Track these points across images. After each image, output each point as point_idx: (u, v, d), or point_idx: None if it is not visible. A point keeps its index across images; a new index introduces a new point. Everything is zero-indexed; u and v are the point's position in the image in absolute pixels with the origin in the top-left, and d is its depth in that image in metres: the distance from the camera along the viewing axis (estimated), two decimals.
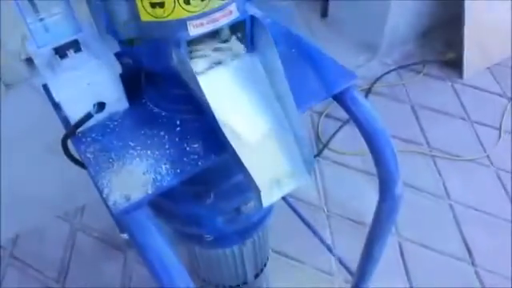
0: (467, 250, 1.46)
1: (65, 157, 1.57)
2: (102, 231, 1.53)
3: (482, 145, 1.78)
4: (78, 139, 0.68)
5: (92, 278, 1.43)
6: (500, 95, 1.98)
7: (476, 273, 1.41)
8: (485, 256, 1.45)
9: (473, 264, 1.43)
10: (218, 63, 0.64)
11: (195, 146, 0.64)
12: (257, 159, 0.61)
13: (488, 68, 2.10)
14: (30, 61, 2.12)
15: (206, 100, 0.60)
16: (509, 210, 1.56)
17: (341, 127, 1.77)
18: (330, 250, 1.32)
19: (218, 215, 0.83)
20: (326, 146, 1.72)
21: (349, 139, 1.70)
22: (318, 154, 1.70)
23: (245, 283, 1.19)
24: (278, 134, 0.64)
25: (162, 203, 0.82)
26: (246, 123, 0.63)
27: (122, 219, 0.59)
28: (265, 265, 1.22)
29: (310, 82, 0.74)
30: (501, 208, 1.57)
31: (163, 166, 0.62)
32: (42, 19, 0.71)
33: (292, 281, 1.38)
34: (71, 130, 0.67)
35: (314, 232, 1.32)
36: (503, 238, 1.49)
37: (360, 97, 0.78)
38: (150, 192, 0.59)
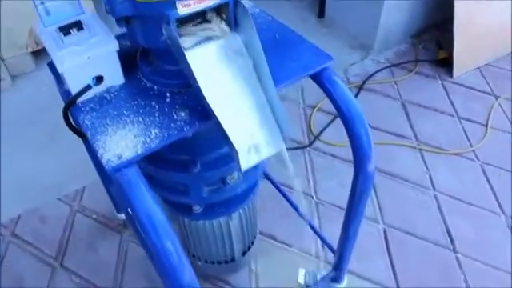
0: (449, 238, 1.53)
1: (65, 143, 1.66)
2: (100, 213, 1.60)
3: (468, 140, 1.84)
4: (77, 108, 0.75)
5: (89, 256, 1.50)
6: (488, 94, 2.05)
7: (456, 259, 1.48)
8: (466, 243, 1.51)
9: (454, 250, 1.49)
10: (204, 41, 0.71)
11: (182, 114, 0.71)
12: (237, 127, 0.69)
13: (478, 68, 2.17)
14: (36, 53, 2.21)
15: (192, 73, 0.67)
16: (491, 201, 1.62)
17: (332, 121, 1.85)
18: (313, 228, 1.38)
19: (205, 185, 0.90)
20: (316, 137, 1.79)
21: (339, 132, 1.77)
22: (310, 145, 1.77)
23: (232, 260, 1.26)
24: (256, 105, 0.71)
25: (154, 172, 0.89)
26: (228, 95, 0.70)
27: (114, 176, 0.66)
28: (252, 243, 1.29)
29: (290, 63, 0.81)
30: (484, 199, 1.63)
31: (152, 131, 0.69)
32: (46, 2, 0.79)
33: (279, 262, 1.45)
34: (72, 99, 0.74)
35: (301, 215, 1.38)
36: (484, 226, 1.55)
37: (336, 78, 0.85)
38: (139, 152, 0.66)
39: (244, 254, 1.28)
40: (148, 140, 0.68)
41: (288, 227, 1.52)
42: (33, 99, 2.07)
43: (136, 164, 0.67)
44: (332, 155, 1.74)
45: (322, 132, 1.82)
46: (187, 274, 0.71)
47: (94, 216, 1.60)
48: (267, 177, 1.48)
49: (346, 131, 0.87)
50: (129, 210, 1.36)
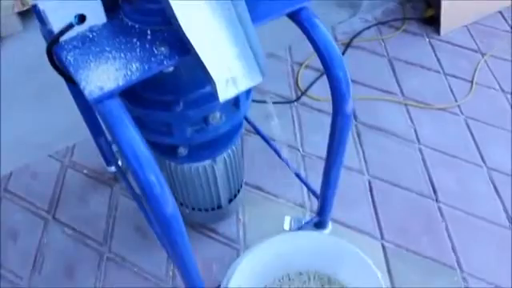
0: (432, 189, 1.57)
1: (54, 103, 1.68)
2: (91, 168, 1.63)
3: (453, 95, 1.87)
4: (60, 47, 0.77)
5: (80, 209, 1.53)
6: (475, 51, 2.06)
7: (439, 208, 1.52)
8: (448, 194, 1.55)
9: (436, 200, 1.54)
10: None
11: (162, 49, 0.73)
12: (215, 60, 0.71)
13: (465, 26, 2.18)
14: (22, 14, 2.20)
15: (170, 7, 0.69)
16: (474, 154, 1.66)
17: (319, 77, 1.87)
18: (299, 176, 1.42)
19: (188, 124, 0.93)
20: (304, 93, 1.82)
21: (326, 88, 1.79)
22: (297, 100, 1.80)
23: (219, 207, 1.29)
24: (234, 40, 0.73)
25: (139, 114, 0.91)
26: (206, 29, 0.72)
27: (96, 108, 0.69)
28: (238, 191, 1.32)
29: (269, 1, 0.82)
30: (466, 152, 1.67)
31: (133, 65, 0.71)
32: None
33: (266, 212, 1.49)
34: (56, 37, 0.76)
35: (289, 165, 1.41)
36: (466, 178, 1.59)
37: (317, 20, 0.86)
38: (121, 84, 0.69)
39: (230, 201, 1.32)
40: (129, 73, 0.70)
41: (275, 179, 1.56)
42: (20, 60, 2.08)
43: (118, 96, 0.69)
44: (318, 110, 1.77)
45: (309, 88, 1.84)
46: (170, 204, 0.74)
47: (85, 171, 1.63)
48: (254, 128, 1.50)
49: (325, 72, 0.89)
50: (119, 164, 1.38)
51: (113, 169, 1.54)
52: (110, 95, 0.68)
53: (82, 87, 0.69)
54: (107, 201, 1.54)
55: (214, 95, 0.73)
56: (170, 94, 0.89)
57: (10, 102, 1.87)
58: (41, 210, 1.54)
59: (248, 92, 1.02)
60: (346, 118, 0.92)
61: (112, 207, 1.53)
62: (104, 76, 0.70)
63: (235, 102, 0.97)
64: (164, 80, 0.86)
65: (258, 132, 1.48)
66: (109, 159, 1.50)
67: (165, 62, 0.72)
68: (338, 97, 0.90)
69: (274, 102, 1.76)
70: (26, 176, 1.64)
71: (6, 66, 2.05)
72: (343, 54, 1.99)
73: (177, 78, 0.86)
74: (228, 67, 0.71)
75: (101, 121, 0.72)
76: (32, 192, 1.59)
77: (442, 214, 1.51)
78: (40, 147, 1.71)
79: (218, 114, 0.93)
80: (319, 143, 1.65)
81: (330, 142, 1.00)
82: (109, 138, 1.41)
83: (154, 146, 1.03)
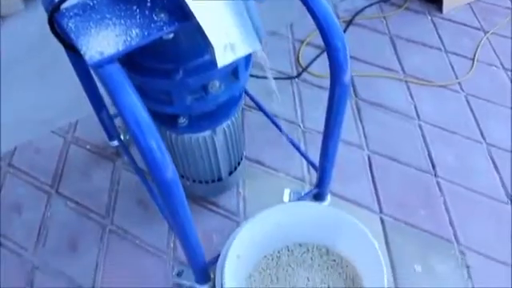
0: (431, 164, 1.58)
1: (56, 81, 1.69)
2: (94, 144, 1.65)
3: (455, 73, 1.87)
4: (61, 15, 0.78)
5: (83, 183, 1.55)
6: (477, 29, 2.06)
7: (437, 183, 1.53)
8: (447, 169, 1.56)
9: (435, 175, 1.55)
10: None
11: (162, 15, 0.74)
12: (214, 26, 0.72)
13: (468, 4, 2.17)
14: None
15: None
16: (473, 130, 1.67)
17: (320, 54, 1.87)
18: (298, 149, 1.43)
19: (187, 92, 0.94)
20: (304, 69, 1.82)
21: (326, 65, 1.79)
22: (297, 76, 1.81)
23: (219, 179, 1.31)
24: (233, 8, 0.74)
25: (140, 82, 0.92)
26: None
27: (97, 73, 0.70)
28: (239, 164, 1.34)
29: None
30: (466, 128, 1.68)
31: (133, 31, 0.73)
32: None
33: (266, 186, 1.51)
34: (56, 5, 0.77)
35: (288, 137, 1.43)
36: (466, 153, 1.60)
37: None
38: (120, 49, 0.70)
39: (230, 173, 1.33)
40: (129, 39, 0.71)
41: (275, 153, 1.57)
42: (23, 39, 2.08)
43: (118, 61, 0.70)
44: (319, 86, 1.78)
45: (309, 65, 1.85)
46: (170, 170, 0.76)
47: (88, 146, 1.65)
48: (255, 103, 1.52)
49: (324, 42, 0.90)
50: (121, 137, 1.39)
51: (115, 143, 1.55)
52: (110, 60, 0.69)
53: (82, 53, 0.70)
54: (109, 175, 1.57)
55: (213, 63, 0.74)
56: (170, 62, 0.90)
57: (12, 80, 1.88)
58: (44, 185, 1.56)
59: (247, 63, 1.03)
60: (344, 88, 0.93)
61: (114, 181, 1.55)
62: (104, 42, 0.71)
63: (234, 72, 0.98)
64: (164, 48, 0.87)
65: (258, 107, 1.50)
66: (111, 134, 1.51)
67: (164, 28, 0.73)
68: (336, 67, 0.91)
69: (276, 78, 1.77)
70: (30, 151, 1.66)
71: (9, 44, 2.06)
72: (345, 31, 1.98)
73: (176, 46, 0.88)
74: (226, 33, 0.72)
75: (102, 87, 0.73)
76: (36, 167, 1.61)
77: (440, 189, 1.52)
78: (43, 123, 1.73)
79: (217, 83, 0.94)
80: (319, 119, 1.63)
81: (328, 112, 1.01)
82: (111, 111, 1.43)
83: (154, 116, 1.03)
